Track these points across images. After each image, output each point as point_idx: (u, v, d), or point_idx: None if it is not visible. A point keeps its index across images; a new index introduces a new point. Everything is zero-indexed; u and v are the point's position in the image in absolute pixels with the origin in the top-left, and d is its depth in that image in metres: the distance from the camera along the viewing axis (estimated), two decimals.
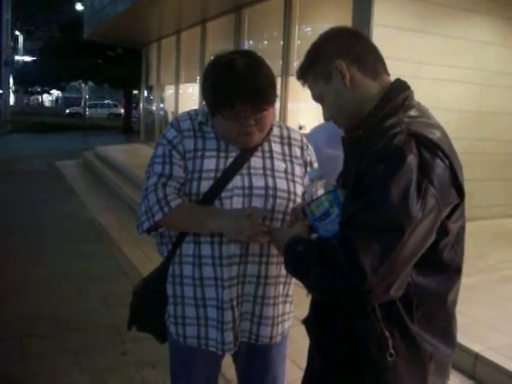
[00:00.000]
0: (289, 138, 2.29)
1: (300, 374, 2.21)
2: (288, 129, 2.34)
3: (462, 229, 1.67)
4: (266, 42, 11.17)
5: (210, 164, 2.10)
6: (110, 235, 8.07)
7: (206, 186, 2.08)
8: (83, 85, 44.93)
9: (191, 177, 2.10)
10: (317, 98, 1.84)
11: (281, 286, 2.27)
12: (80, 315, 5.03)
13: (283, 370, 2.49)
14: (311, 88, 1.83)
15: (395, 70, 2.56)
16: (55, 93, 67.05)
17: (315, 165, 2.34)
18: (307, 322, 1.96)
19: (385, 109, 1.64)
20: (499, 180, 8.34)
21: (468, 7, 7.02)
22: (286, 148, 2.26)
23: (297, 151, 2.28)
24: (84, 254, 7.03)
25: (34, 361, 4.14)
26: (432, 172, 1.47)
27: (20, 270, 6.32)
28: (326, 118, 1.88)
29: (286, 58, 9.44)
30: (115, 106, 49.67)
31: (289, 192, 2.15)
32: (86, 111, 44.45)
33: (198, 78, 13.94)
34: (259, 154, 2.18)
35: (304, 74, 1.83)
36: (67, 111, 49.34)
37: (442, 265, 1.62)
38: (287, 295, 2.34)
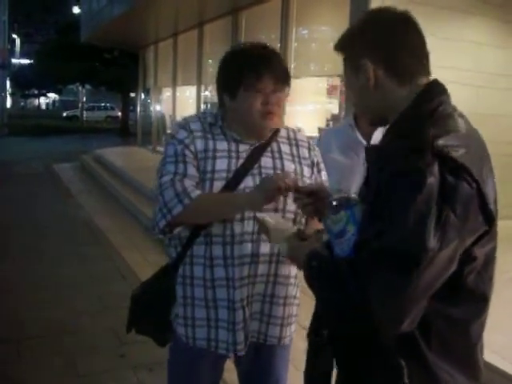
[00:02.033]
0: (296, 139, 2.32)
1: (299, 376, 2.19)
2: (294, 130, 2.36)
3: (492, 252, 1.51)
4: None
5: (221, 164, 2.12)
6: (108, 238, 8.06)
7: (218, 186, 2.09)
8: (80, 88, 44.88)
9: (203, 177, 2.11)
10: (344, 81, 1.72)
11: (291, 287, 2.31)
12: (77, 317, 5.02)
13: (286, 374, 2.50)
14: (344, 71, 1.67)
15: None
16: (52, 96, 67.00)
17: (323, 172, 2.35)
18: (321, 342, 1.86)
19: (412, 118, 1.49)
20: (498, 182, 8.32)
21: (464, 9, 7.02)
22: (294, 149, 2.28)
23: (305, 152, 2.30)
24: (81, 256, 7.02)
25: (30, 363, 4.14)
26: (455, 198, 1.32)
27: (17, 271, 6.32)
28: (353, 105, 1.88)
29: (284, 60, 9.42)
30: (112, 108, 49.59)
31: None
32: (83, 114, 44.41)
33: (196, 80, 13.95)
34: (269, 154, 2.20)
35: (338, 49, 1.67)
36: (64, 114, 49.27)
37: (465, 292, 1.47)
38: (295, 297, 2.37)
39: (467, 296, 1.49)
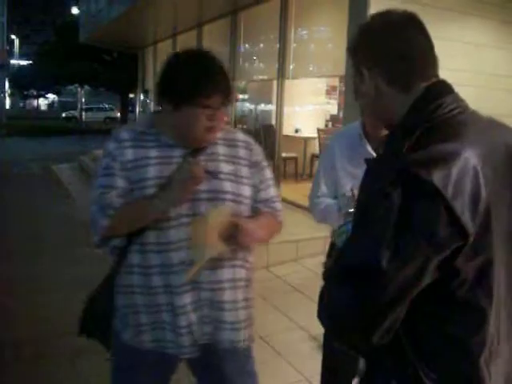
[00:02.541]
0: (233, 139, 2.28)
1: (298, 377, 2.20)
2: (232, 131, 2.35)
3: (488, 265, 1.41)
4: (261, 45, 11.16)
5: (153, 172, 2.09)
6: None
7: (150, 193, 2.07)
8: (79, 89, 44.87)
9: (135, 187, 2.10)
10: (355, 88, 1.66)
11: (239, 291, 2.26)
12: (75, 318, 5.01)
13: (245, 380, 2.46)
14: (353, 76, 1.64)
15: None
16: (51, 97, 67.00)
17: (265, 170, 2.35)
18: None
19: (404, 126, 1.45)
20: None
21: (463, 9, 7.02)
22: (231, 149, 2.25)
23: (242, 152, 2.27)
24: (79, 257, 7.00)
25: (28, 365, 4.13)
26: (419, 218, 1.29)
27: (16, 272, 6.31)
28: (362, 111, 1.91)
29: (282, 61, 9.43)
30: (111, 109, 49.54)
31: (234, 194, 2.17)
32: (82, 115, 44.39)
33: None
34: (204, 157, 2.17)
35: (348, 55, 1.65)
36: (63, 115, 49.26)
37: (458, 307, 1.41)
38: (247, 299, 2.33)
39: (461, 310, 1.42)
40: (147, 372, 2.30)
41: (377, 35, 1.54)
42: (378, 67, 1.51)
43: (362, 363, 1.88)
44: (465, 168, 1.32)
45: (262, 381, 3.96)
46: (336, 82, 12.53)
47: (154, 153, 2.13)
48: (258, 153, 2.32)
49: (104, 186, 2.11)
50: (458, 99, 1.48)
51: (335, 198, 2.77)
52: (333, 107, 13.52)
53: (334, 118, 13.27)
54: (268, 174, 2.35)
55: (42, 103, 72.33)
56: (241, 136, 2.33)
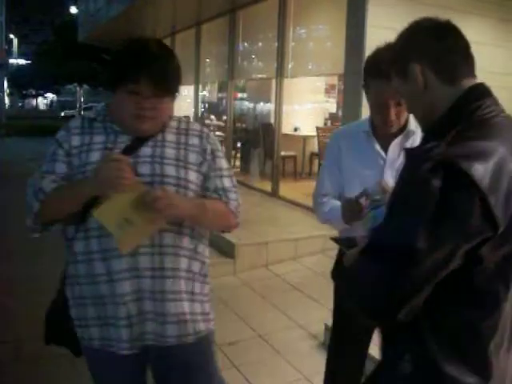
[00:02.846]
0: (186, 129, 2.25)
1: (297, 376, 2.20)
2: (188, 122, 2.30)
3: (510, 256, 1.51)
4: (260, 44, 11.16)
5: (94, 157, 2.08)
6: None
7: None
8: (78, 88, 44.86)
9: (76, 171, 2.09)
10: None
11: (182, 281, 2.16)
12: None
13: (210, 376, 2.41)
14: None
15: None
16: (50, 96, 66.98)
17: (219, 159, 2.28)
18: None
19: (445, 121, 1.58)
20: None
21: (462, 8, 7.02)
22: (182, 137, 2.22)
23: (194, 140, 2.22)
24: None
25: (28, 364, 4.13)
26: (454, 204, 1.39)
27: (16, 272, 6.31)
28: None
29: (281, 59, 9.43)
30: None
31: (178, 178, 2.11)
32: (81, 114, 44.30)
33: (193, 80, 13.95)
34: (150, 143, 2.14)
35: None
36: (62, 114, 49.19)
37: (475, 293, 1.52)
38: (193, 293, 2.22)
39: (476, 295, 1.52)
40: (110, 375, 2.29)
41: (426, 31, 1.69)
42: (427, 59, 1.63)
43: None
44: (501, 165, 1.43)
45: (261, 380, 3.98)
46: (335, 80, 12.54)
47: (99, 139, 2.13)
48: (212, 142, 2.27)
49: (44, 171, 2.12)
50: (495, 102, 1.61)
51: (339, 197, 2.72)
52: (332, 106, 13.54)
53: (332, 117, 13.29)
54: (223, 164, 2.28)
55: (41, 103, 72.34)
56: (196, 126, 2.30)
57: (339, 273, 1.64)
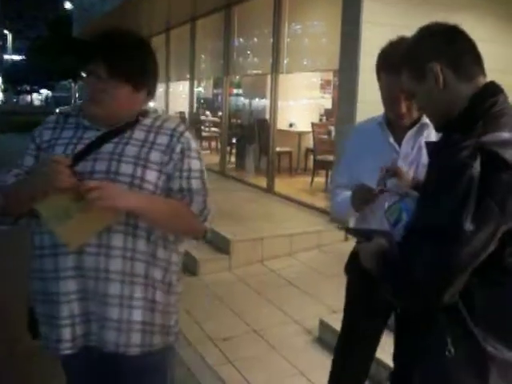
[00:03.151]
0: (159, 127, 2.15)
1: (292, 371, 2.20)
2: (165, 120, 2.19)
3: None
4: (255, 40, 11.14)
5: (57, 151, 2.06)
6: None
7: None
8: (73, 84, 44.74)
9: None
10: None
11: (137, 287, 2.04)
12: None
13: None
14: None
15: None
16: (45, 92, 66.81)
17: (190, 159, 2.14)
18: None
19: (464, 117, 1.68)
20: None
21: (458, 5, 7.02)
22: (151, 135, 2.12)
23: (163, 139, 2.11)
24: None
25: (22, 361, 4.13)
26: (494, 188, 1.51)
27: (9, 270, 6.29)
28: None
29: (276, 55, 9.42)
30: None
31: (133, 176, 2.01)
32: None
33: (189, 76, 13.93)
34: (115, 140, 2.08)
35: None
36: (57, 110, 49.06)
37: (507, 272, 1.64)
38: (155, 301, 2.09)
39: (509, 275, 1.64)
40: (66, 374, 2.27)
41: (439, 34, 1.77)
42: (445, 59, 1.72)
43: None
44: None
45: (256, 375, 3.99)
46: (330, 76, 12.53)
47: (67, 134, 2.11)
48: (185, 142, 2.13)
49: (16, 165, 2.14)
50: (507, 99, 1.72)
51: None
52: (327, 101, 13.53)
53: (328, 113, 13.29)
54: (194, 165, 2.13)
55: (36, 99, 72.15)
56: (171, 124, 2.17)
57: (379, 262, 1.70)
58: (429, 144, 1.85)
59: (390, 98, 2.51)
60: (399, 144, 2.61)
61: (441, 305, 1.59)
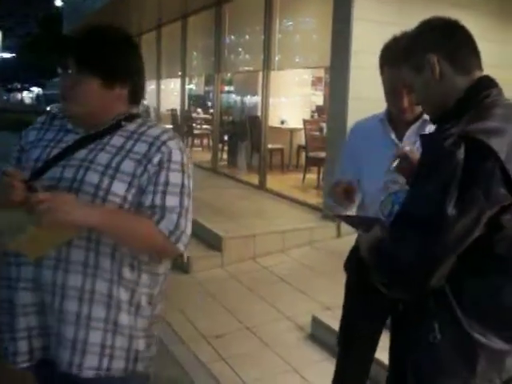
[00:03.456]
0: (141, 134, 1.95)
1: (285, 367, 2.21)
2: (150, 127, 1.99)
3: None
4: (247, 37, 11.13)
5: (34, 154, 1.97)
6: None
7: (27, 176, 1.88)
8: None
9: (22, 168, 1.97)
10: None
11: (98, 306, 1.87)
12: None
13: None
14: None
15: (377, 63, 2.58)
16: (36, 90, 66.55)
17: (167, 172, 1.92)
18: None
19: (456, 108, 1.72)
20: None
21: (452, 2, 7.04)
22: (130, 143, 1.93)
23: (141, 147, 1.91)
24: None
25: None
26: (477, 174, 1.53)
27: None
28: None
29: (268, 52, 9.41)
30: None
31: (98, 187, 1.84)
32: None
33: (180, 73, 13.91)
34: (91, 146, 1.93)
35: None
36: (48, 108, 48.90)
37: (495, 259, 1.65)
38: (117, 323, 1.91)
39: (498, 262, 1.65)
40: None
41: (439, 28, 1.81)
42: (443, 51, 1.76)
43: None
44: None
45: (249, 372, 4.00)
46: (321, 73, 12.55)
47: (49, 136, 2.02)
48: (166, 152, 1.91)
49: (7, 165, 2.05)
50: (500, 92, 1.75)
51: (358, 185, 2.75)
52: (318, 98, 13.55)
53: (319, 109, 13.31)
54: (173, 179, 1.91)
55: (26, 96, 71.86)
56: (156, 132, 1.97)
57: (371, 250, 1.73)
58: (422, 136, 1.86)
59: (392, 91, 2.51)
60: (401, 140, 2.61)
61: (428, 290, 1.61)
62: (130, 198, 1.87)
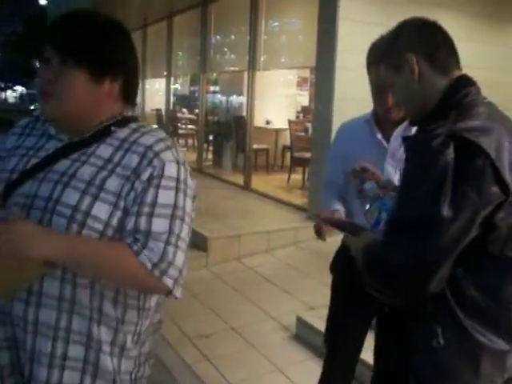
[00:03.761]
0: (133, 142, 1.62)
1: (270, 368, 2.20)
2: (144, 133, 1.65)
3: None
4: (232, 37, 11.13)
5: (10, 164, 1.69)
6: None
7: (1, 189, 1.65)
8: None
9: None
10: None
11: (65, 344, 1.60)
12: None
13: None
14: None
15: (362, 64, 2.59)
16: (19, 89, 66.09)
17: (156, 190, 1.57)
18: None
19: (439, 108, 1.71)
20: None
21: (435, 2, 7.08)
22: (119, 153, 1.61)
23: (131, 159, 1.59)
24: None
25: None
26: (468, 173, 1.52)
27: None
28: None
29: (253, 52, 9.41)
30: None
31: (76, 209, 1.54)
32: None
33: (165, 73, 13.87)
34: (74, 156, 1.63)
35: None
36: (32, 107, 48.55)
37: (491, 259, 1.63)
38: (99, 367, 1.63)
39: (493, 262, 1.64)
40: None
41: (418, 28, 1.81)
42: (422, 51, 1.75)
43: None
44: (500, 140, 1.59)
45: (234, 372, 3.99)
46: (307, 73, 12.57)
47: (28, 143, 1.73)
48: (158, 166, 1.58)
49: None
50: (479, 91, 1.75)
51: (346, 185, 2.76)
52: (304, 99, 13.57)
53: (305, 110, 13.33)
54: (163, 198, 1.57)
55: (10, 96, 71.31)
56: (150, 140, 1.63)
57: (366, 257, 1.70)
58: (406, 138, 1.85)
59: (377, 90, 2.52)
60: (387, 140, 2.61)
61: (428, 294, 1.58)
62: (114, 222, 1.56)
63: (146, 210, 1.55)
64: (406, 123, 2.55)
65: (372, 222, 1.86)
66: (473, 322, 1.62)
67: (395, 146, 2.57)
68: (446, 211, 1.49)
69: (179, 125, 15.38)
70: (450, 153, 1.51)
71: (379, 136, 2.63)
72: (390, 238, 1.60)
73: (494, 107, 1.75)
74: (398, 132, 2.57)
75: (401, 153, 2.53)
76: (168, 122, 14.33)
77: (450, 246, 1.53)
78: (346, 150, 2.73)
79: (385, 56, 1.87)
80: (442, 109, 1.69)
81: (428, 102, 1.75)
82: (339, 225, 2.06)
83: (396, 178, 2.48)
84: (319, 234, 2.72)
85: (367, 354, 2.68)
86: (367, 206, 1.95)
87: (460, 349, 1.64)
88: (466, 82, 1.75)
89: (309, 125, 10.13)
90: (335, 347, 2.89)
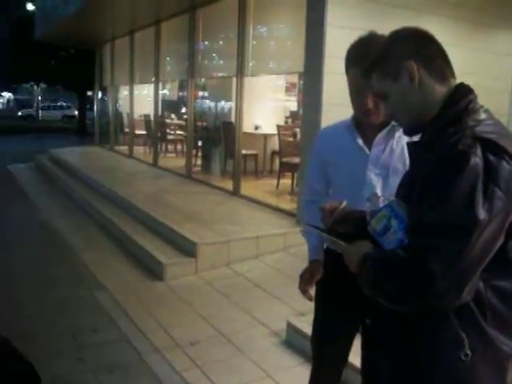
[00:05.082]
0: None
1: (260, 374, 2.18)
2: None
3: None
4: (220, 43, 11.14)
5: None
6: (65, 239, 7.93)
7: None
8: (35, 86, 44.13)
9: None
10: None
11: None
12: (35, 321, 4.94)
13: None
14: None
15: None
16: (6, 95, 65.77)
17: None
18: (376, 327, 1.98)
19: (449, 113, 1.69)
20: None
21: (419, 7, 7.12)
22: None
23: None
24: (38, 259, 6.90)
25: None
26: (498, 175, 1.49)
27: None
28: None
29: (241, 58, 9.42)
30: (69, 107, 48.82)
31: None
32: (38, 113, 43.64)
33: (153, 78, 13.85)
34: None
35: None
36: (19, 113, 48.37)
37: (510, 266, 1.62)
38: None
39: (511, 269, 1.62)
40: None
41: (412, 37, 1.80)
42: (421, 59, 1.74)
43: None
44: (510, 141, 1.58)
45: (224, 378, 3.98)
46: (295, 78, 12.59)
47: None
48: None
49: None
50: (476, 98, 1.74)
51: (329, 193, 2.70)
52: (292, 104, 13.58)
53: (293, 115, 13.34)
54: None
55: None
56: None
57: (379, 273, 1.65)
58: (411, 144, 1.83)
59: (356, 91, 2.44)
60: (369, 147, 2.54)
61: (460, 302, 1.54)
62: None
63: None
64: (388, 128, 2.51)
65: (378, 230, 1.76)
66: (495, 331, 1.61)
67: (378, 152, 2.52)
68: (482, 214, 1.46)
69: (168, 131, 15.36)
70: (479, 154, 1.50)
71: (360, 142, 2.56)
72: (428, 245, 1.52)
73: (491, 114, 1.74)
74: (380, 137, 2.52)
75: (384, 158, 2.51)
76: (156, 128, 14.30)
77: (485, 251, 1.51)
78: (326, 157, 2.68)
79: (378, 64, 1.82)
80: (451, 113, 1.68)
81: (426, 110, 1.74)
82: (345, 217, 1.99)
83: (379, 186, 2.46)
84: (304, 291, 2.84)
85: (355, 358, 2.67)
86: (368, 218, 1.83)
87: (486, 359, 1.62)
88: (467, 90, 1.75)
89: (297, 130, 10.14)
90: (321, 349, 2.87)
